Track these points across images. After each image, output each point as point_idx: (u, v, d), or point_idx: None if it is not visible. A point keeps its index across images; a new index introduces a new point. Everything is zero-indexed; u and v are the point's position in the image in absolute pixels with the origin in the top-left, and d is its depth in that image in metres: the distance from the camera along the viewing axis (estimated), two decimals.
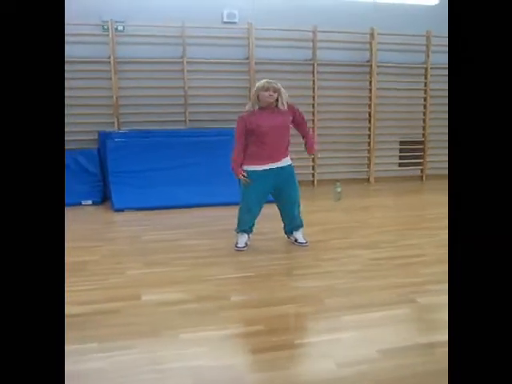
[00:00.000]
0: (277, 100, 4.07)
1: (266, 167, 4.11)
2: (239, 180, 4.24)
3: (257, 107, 4.11)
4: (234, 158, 4.15)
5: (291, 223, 4.42)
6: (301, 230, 4.45)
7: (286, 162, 4.20)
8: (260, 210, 4.30)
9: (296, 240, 4.40)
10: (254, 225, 4.38)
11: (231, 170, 4.18)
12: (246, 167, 4.13)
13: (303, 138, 4.36)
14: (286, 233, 4.51)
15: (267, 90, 4.03)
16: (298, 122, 4.29)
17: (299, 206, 4.37)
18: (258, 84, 4.14)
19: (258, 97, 4.08)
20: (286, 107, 4.10)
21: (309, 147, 4.36)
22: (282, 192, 4.26)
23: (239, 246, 4.28)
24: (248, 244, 4.32)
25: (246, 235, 4.34)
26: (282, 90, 4.09)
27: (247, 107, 4.17)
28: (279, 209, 4.40)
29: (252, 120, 4.07)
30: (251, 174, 4.11)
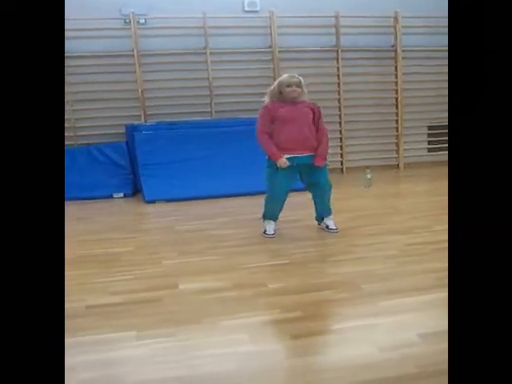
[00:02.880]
0: (300, 94, 4.08)
1: (291, 155, 4.09)
2: (266, 171, 4.21)
3: (276, 99, 4.11)
4: (267, 146, 4.10)
5: (321, 210, 4.42)
6: (330, 217, 4.43)
7: (310, 153, 4.15)
8: (286, 198, 4.29)
9: (327, 226, 4.40)
10: (280, 212, 4.39)
11: (270, 158, 4.12)
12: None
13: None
14: (316, 220, 4.51)
15: (290, 85, 4.04)
16: (315, 122, 4.18)
17: (329, 194, 4.37)
18: (280, 79, 4.15)
19: (280, 92, 4.08)
20: (306, 99, 4.13)
21: (317, 157, 4.16)
22: (310, 179, 4.27)
23: (268, 233, 4.30)
24: (276, 231, 4.33)
25: (273, 222, 4.36)
26: (304, 83, 4.11)
27: (266, 99, 4.18)
28: (311, 195, 4.40)
29: (276, 108, 4.07)
30: (275, 163, 4.09)
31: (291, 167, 4.10)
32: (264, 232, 4.32)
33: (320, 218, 4.47)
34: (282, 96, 4.08)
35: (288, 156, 4.08)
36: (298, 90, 4.05)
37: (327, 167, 4.32)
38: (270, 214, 4.35)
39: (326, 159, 4.21)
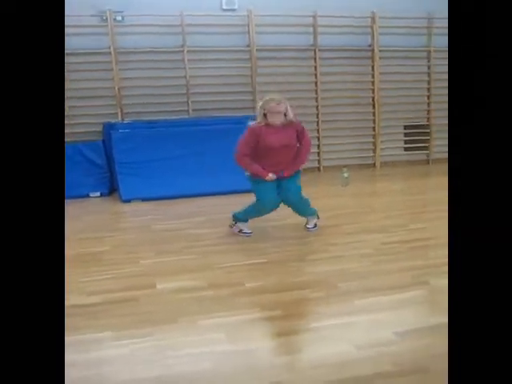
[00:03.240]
0: (284, 114, 4.03)
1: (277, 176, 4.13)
2: (251, 183, 4.22)
3: (263, 123, 4.04)
4: (251, 168, 4.09)
5: (300, 214, 4.46)
6: (315, 217, 4.47)
7: (294, 171, 4.20)
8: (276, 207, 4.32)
9: (305, 224, 4.45)
10: None
11: (256, 175, 4.10)
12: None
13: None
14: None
15: (271, 111, 3.97)
16: (298, 139, 4.17)
17: (306, 202, 4.36)
18: (261, 103, 4.08)
19: (264, 115, 4.02)
20: (292, 117, 4.07)
21: (287, 168, 4.16)
22: (286, 196, 4.24)
23: (246, 231, 4.34)
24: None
25: (246, 223, 4.39)
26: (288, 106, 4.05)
27: (259, 121, 4.08)
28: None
29: (264, 134, 4.01)
30: (259, 179, 4.11)
31: (274, 185, 4.15)
32: (240, 231, 4.34)
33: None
34: (266, 119, 4.02)
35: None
36: (282, 113, 3.99)
37: (299, 178, 4.31)
38: (247, 218, 4.37)
39: (292, 173, 4.18)
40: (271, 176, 4.06)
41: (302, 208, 4.37)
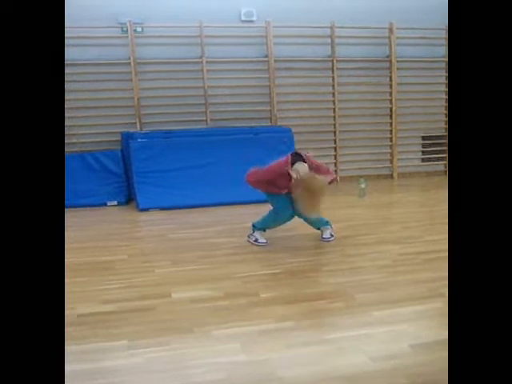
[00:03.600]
0: None
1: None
2: (267, 195, 4.32)
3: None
4: (266, 188, 4.20)
5: (313, 226, 4.50)
6: (328, 227, 4.46)
7: None
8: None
9: (321, 235, 4.44)
10: None
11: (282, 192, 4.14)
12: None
13: None
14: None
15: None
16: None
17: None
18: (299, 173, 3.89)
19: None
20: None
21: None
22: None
23: (261, 241, 4.35)
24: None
25: (263, 232, 4.41)
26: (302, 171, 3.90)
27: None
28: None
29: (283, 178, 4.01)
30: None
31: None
32: (255, 241, 4.35)
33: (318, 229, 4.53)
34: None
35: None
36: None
37: None
38: (266, 227, 4.40)
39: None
40: (285, 189, 4.11)
41: (315, 219, 4.36)
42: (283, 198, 4.16)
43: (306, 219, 4.36)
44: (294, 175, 3.88)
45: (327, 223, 4.46)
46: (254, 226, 4.43)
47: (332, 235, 4.42)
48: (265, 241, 4.35)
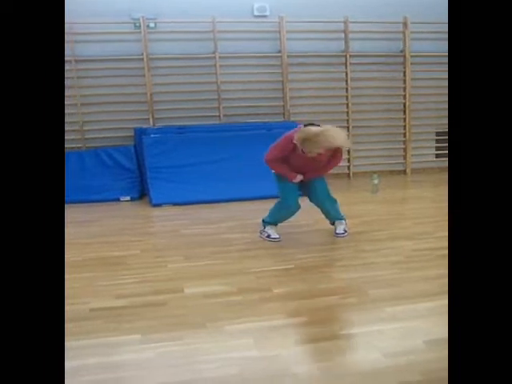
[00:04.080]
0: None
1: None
2: (276, 181, 4.26)
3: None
4: (281, 171, 4.13)
5: (328, 216, 4.45)
6: (343, 221, 4.43)
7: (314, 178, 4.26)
8: (298, 208, 4.30)
9: (335, 230, 4.41)
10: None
11: (287, 178, 4.15)
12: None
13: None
14: (331, 223, 4.54)
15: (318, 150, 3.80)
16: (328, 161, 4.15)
17: (333, 201, 4.37)
18: (306, 136, 3.77)
19: (305, 146, 3.80)
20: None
21: (320, 171, 4.21)
22: (310, 193, 4.33)
23: (274, 236, 4.31)
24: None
25: (275, 226, 4.38)
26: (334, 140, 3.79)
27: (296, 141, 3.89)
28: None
29: (295, 152, 3.95)
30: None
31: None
32: (268, 236, 4.32)
33: (332, 223, 4.49)
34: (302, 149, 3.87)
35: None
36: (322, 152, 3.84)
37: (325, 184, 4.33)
38: (275, 220, 4.37)
39: (317, 176, 4.24)
40: (298, 178, 4.12)
41: (331, 206, 4.34)
42: (290, 185, 4.16)
43: (323, 203, 4.31)
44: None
45: (342, 217, 4.43)
46: (263, 221, 4.42)
47: (346, 231, 4.40)
48: (277, 236, 4.32)
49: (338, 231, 4.38)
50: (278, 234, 4.34)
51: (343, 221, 4.43)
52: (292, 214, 4.33)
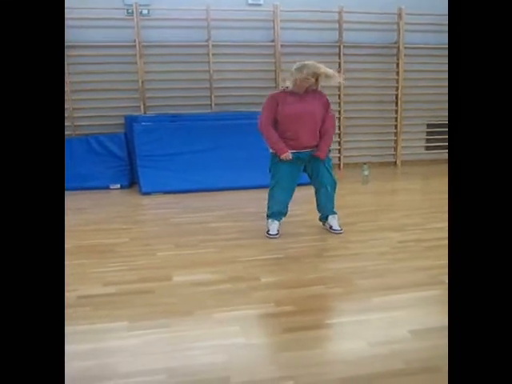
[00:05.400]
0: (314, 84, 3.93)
1: (294, 151, 3.99)
2: (271, 162, 4.10)
3: (289, 89, 3.93)
4: (272, 139, 3.96)
5: (324, 208, 4.30)
6: (335, 216, 4.32)
7: (311, 150, 4.06)
8: (292, 195, 4.18)
9: (331, 227, 4.29)
10: (287, 212, 4.26)
11: (273, 150, 4.01)
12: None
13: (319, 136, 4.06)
14: (320, 220, 4.40)
15: (305, 75, 3.83)
16: (323, 117, 4.07)
17: (332, 192, 4.24)
18: (299, 67, 3.89)
19: (295, 81, 3.89)
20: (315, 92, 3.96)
21: (319, 150, 4.04)
22: (314, 174, 4.16)
23: (271, 233, 4.16)
24: (279, 231, 4.21)
25: (277, 222, 4.23)
26: (325, 74, 3.91)
27: (288, 85, 3.98)
28: (314, 191, 4.29)
29: (283, 101, 3.91)
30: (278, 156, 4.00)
31: (295, 160, 4.01)
32: (267, 232, 4.19)
33: (324, 217, 4.35)
34: (295, 87, 3.91)
35: (291, 151, 3.98)
36: (312, 79, 3.88)
37: (331, 163, 4.20)
38: (274, 210, 4.20)
39: (326, 152, 4.08)
40: (288, 155, 3.94)
41: (330, 196, 4.22)
42: (284, 167, 4.01)
43: (324, 191, 4.19)
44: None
45: (336, 212, 4.32)
46: (266, 214, 4.29)
47: (341, 227, 4.30)
48: (275, 232, 4.17)
49: (334, 227, 4.27)
50: (277, 230, 4.19)
51: (336, 215, 4.33)
52: (284, 197, 4.15)
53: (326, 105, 4.08)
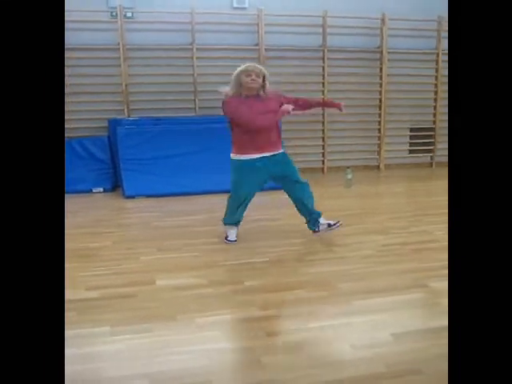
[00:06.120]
0: (262, 86, 3.79)
1: (259, 156, 3.86)
2: (233, 168, 4.01)
3: (241, 93, 3.81)
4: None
5: (305, 209, 4.18)
6: (318, 219, 4.20)
7: (277, 150, 3.95)
8: (248, 202, 4.09)
9: (329, 224, 4.17)
10: (241, 216, 4.15)
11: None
12: (237, 156, 3.93)
13: (319, 106, 4.03)
14: (309, 228, 4.25)
15: (249, 74, 3.73)
16: (295, 104, 3.95)
17: (306, 185, 4.11)
18: (239, 68, 3.80)
19: (239, 82, 3.76)
20: (267, 95, 3.84)
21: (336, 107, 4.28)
22: (285, 179, 4.04)
23: (230, 239, 4.10)
24: (237, 235, 4.14)
25: (235, 227, 4.15)
26: (267, 75, 3.83)
27: (229, 91, 3.86)
28: (293, 202, 4.17)
29: (240, 108, 3.79)
30: (244, 163, 3.88)
31: (259, 167, 3.88)
32: (226, 238, 4.12)
33: (313, 223, 4.22)
34: (241, 89, 3.78)
35: (256, 156, 3.86)
36: (258, 80, 3.75)
37: (295, 167, 4.09)
38: (234, 218, 4.13)
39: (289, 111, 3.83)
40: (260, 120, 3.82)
41: (306, 193, 4.10)
42: (244, 176, 3.93)
43: (297, 192, 4.07)
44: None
45: (319, 213, 4.22)
46: (223, 220, 4.20)
47: (330, 225, 4.19)
48: (234, 238, 4.11)
49: (331, 223, 4.16)
50: (235, 235, 4.13)
51: (320, 218, 4.21)
52: (243, 208, 4.08)
53: (285, 99, 3.99)
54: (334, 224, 4.19)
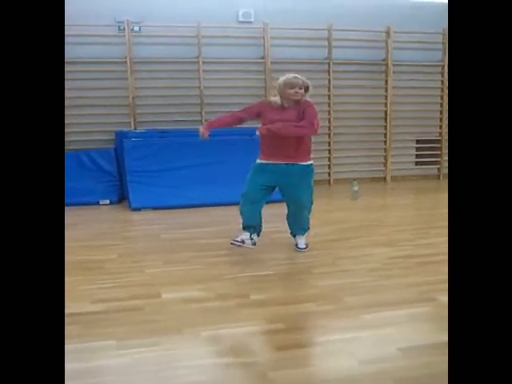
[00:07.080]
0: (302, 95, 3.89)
1: (272, 162, 3.93)
2: (252, 171, 4.03)
3: (279, 103, 3.93)
4: (216, 119, 4.22)
5: (294, 226, 4.20)
6: (304, 235, 4.21)
7: (297, 160, 3.93)
8: (263, 205, 4.05)
9: (296, 245, 4.21)
10: (260, 225, 4.09)
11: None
12: (258, 160, 4.04)
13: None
14: (291, 233, 4.29)
15: (293, 87, 3.84)
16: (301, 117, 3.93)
17: (309, 210, 4.11)
18: (284, 80, 3.91)
19: (283, 93, 3.89)
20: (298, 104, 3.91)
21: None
22: (287, 190, 4.01)
23: (235, 239, 4.00)
24: (252, 243, 4.00)
25: (249, 234, 4.02)
26: (311, 86, 3.99)
27: (276, 100, 3.98)
28: (287, 208, 4.15)
29: (267, 113, 3.97)
30: (256, 165, 4.03)
31: (271, 172, 3.93)
32: (242, 242, 4.00)
33: (294, 234, 4.26)
34: (283, 99, 3.91)
35: (264, 162, 3.98)
36: (301, 91, 3.88)
37: (311, 190, 4.05)
38: (247, 220, 4.06)
39: (269, 131, 3.84)
40: (202, 131, 4.28)
41: (302, 218, 4.10)
42: (255, 175, 3.99)
43: (293, 210, 4.06)
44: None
45: (306, 231, 4.20)
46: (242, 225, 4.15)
47: (307, 245, 4.20)
48: (239, 240, 3.98)
49: (300, 246, 4.18)
50: (241, 239, 3.99)
51: (306, 234, 4.21)
52: (255, 208, 4.02)
53: (305, 110, 4.00)
54: (300, 248, 4.17)
